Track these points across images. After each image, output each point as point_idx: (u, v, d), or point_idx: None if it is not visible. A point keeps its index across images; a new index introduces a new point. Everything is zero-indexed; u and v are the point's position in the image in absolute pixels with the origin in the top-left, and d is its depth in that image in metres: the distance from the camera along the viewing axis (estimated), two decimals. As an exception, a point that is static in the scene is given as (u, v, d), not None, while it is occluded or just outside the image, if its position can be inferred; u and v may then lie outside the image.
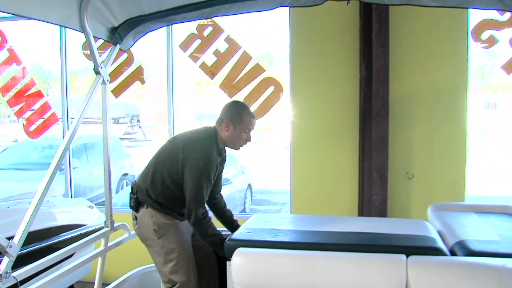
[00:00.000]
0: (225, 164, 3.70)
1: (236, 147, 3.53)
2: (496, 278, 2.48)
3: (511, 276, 2.48)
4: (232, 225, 3.74)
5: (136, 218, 3.49)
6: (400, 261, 2.67)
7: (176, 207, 3.42)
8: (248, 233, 3.18)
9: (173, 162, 3.36)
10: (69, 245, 3.41)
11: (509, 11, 4.58)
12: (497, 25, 5.25)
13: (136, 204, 3.45)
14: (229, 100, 3.57)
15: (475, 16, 5.19)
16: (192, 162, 3.28)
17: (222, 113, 3.51)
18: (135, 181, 3.54)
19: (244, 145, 3.55)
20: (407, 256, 2.70)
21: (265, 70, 5.60)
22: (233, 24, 5.78)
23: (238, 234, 3.18)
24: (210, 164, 3.31)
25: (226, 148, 3.59)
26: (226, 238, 3.13)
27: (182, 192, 3.33)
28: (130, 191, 3.52)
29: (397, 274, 2.63)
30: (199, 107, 22.52)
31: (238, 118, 3.43)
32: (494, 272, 2.51)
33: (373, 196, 5.11)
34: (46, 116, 6.56)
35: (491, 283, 2.48)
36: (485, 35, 5.26)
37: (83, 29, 3.18)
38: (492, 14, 5.20)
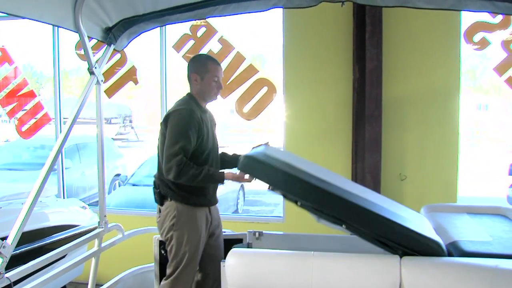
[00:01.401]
0: (214, 124, 3.67)
1: (212, 97, 3.53)
2: (488, 278, 2.50)
3: (503, 277, 2.49)
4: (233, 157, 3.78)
5: (159, 211, 3.49)
6: (394, 262, 2.68)
7: (190, 188, 3.38)
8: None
9: (162, 142, 3.37)
10: (62, 245, 3.40)
11: (501, 14, 4.62)
12: (489, 27, 5.30)
13: (160, 198, 3.46)
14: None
15: (467, 18, 5.23)
16: (170, 126, 3.29)
17: (187, 70, 3.53)
18: (155, 175, 3.53)
19: (218, 93, 3.55)
20: (401, 257, 2.71)
21: (258, 71, 5.61)
22: (226, 25, 5.78)
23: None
24: (187, 123, 3.28)
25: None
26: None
27: None
28: (153, 186, 3.52)
29: (391, 274, 2.64)
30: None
31: (203, 69, 3.45)
32: (487, 272, 2.52)
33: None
34: (38, 116, 6.54)
35: (484, 284, 2.50)
36: (477, 37, 5.30)
37: (77, 29, 3.18)
38: (484, 17, 5.23)
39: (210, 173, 3.29)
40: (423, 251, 2.72)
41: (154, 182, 3.50)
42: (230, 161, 3.76)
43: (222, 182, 3.36)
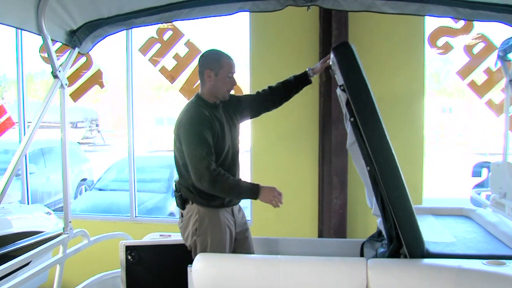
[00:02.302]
0: (232, 99, 3.54)
1: (224, 94, 3.37)
2: (452, 279, 2.54)
3: (467, 277, 2.54)
4: (299, 77, 3.68)
5: (182, 215, 3.38)
6: (360, 264, 2.71)
7: None
8: None
9: (178, 148, 3.27)
10: (26, 252, 3.33)
11: (463, 19, 4.72)
12: (452, 32, 5.41)
13: (181, 201, 3.34)
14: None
15: (431, 23, 5.32)
16: (183, 133, 3.17)
17: (199, 65, 3.35)
18: (175, 180, 3.44)
19: (232, 90, 3.42)
20: (367, 259, 2.74)
21: (225, 75, 5.60)
22: (193, 28, 5.77)
23: None
24: (199, 125, 3.16)
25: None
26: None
27: None
28: (174, 189, 3.42)
29: (357, 276, 2.67)
30: (159, 111, 22.36)
31: (217, 65, 3.29)
32: (451, 273, 2.57)
33: (333, 200, 5.17)
34: (1, 120, 6.41)
35: (448, 284, 2.54)
36: (441, 41, 5.41)
37: (40, 32, 3.11)
38: (447, 22, 5.34)
39: (246, 185, 3.17)
40: (416, 253, 2.76)
41: (175, 185, 3.40)
42: (300, 79, 3.67)
43: (255, 197, 3.16)
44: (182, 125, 3.20)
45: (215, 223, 3.26)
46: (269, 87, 3.67)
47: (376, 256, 3.05)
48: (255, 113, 3.68)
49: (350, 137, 3.02)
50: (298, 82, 3.67)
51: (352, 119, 2.83)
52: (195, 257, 3.24)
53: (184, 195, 3.31)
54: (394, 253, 2.82)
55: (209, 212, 3.26)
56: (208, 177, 3.05)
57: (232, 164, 3.36)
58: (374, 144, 2.76)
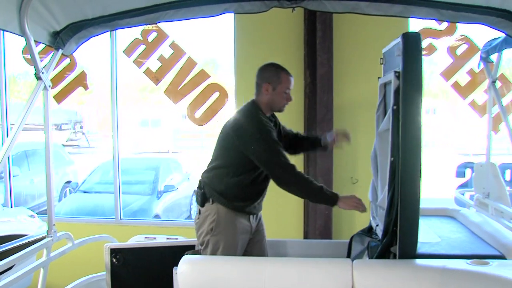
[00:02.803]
0: (281, 125, 3.62)
1: (280, 108, 3.42)
2: (437, 279, 2.56)
3: (451, 277, 2.56)
4: (311, 139, 3.74)
5: (199, 212, 3.39)
6: (346, 265, 2.72)
7: (241, 196, 3.32)
8: None
9: (230, 152, 3.29)
10: (9, 256, 3.29)
11: (446, 21, 4.76)
12: (436, 34, 5.46)
13: (202, 198, 3.36)
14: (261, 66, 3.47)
15: (415, 24, 5.36)
16: (250, 141, 3.19)
17: (258, 78, 3.40)
18: (202, 175, 3.44)
19: (286, 105, 3.43)
20: (354, 258, 2.75)
21: (210, 76, 5.61)
22: (178, 30, 5.76)
23: None
24: (265, 128, 3.21)
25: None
26: None
27: (245, 179, 3.27)
28: (197, 186, 3.43)
29: (342, 277, 2.67)
30: (144, 113, 22.28)
31: (276, 79, 3.34)
32: (435, 273, 2.59)
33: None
34: (-16, 122, 6.34)
35: (433, 284, 2.56)
36: (424, 43, 5.44)
37: (23, 33, 3.08)
38: (431, 24, 5.38)
39: (327, 193, 3.18)
40: (408, 255, 2.77)
41: (200, 182, 3.42)
42: (311, 141, 3.73)
43: (332, 205, 3.21)
44: (248, 135, 3.22)
45: (232, 226, 3.28)
46: (296, 134, 3.76)
47: (367, 249, 3.07)
48: None
49: (385, 124, 3.06)
50: (312, 142, 3.75)
51: (395, 106, 2.83)
52: (203, 253, 3.29)
53: (208, 193, 3.33)
54: (385, 249, 2.83)
55: (228, 214, 3.29)
56: (291, 175, 3.14)
57: (267, 176, 3.36)
58: (408, 136, 2.75)
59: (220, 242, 3.26)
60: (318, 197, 3.23)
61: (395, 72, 2.83)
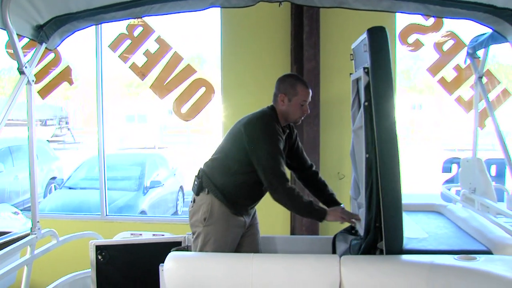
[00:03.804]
0: (297, 138, 3.61)
1: (296, 120, 3.41)
2: (424, 274, 2.56)
3: (438, 272, 2.56)
4: (326, 195, 3.62)
5: (194, 201, 3.35)
6: (333, 261, 2.71)
7: (239, 195, 3.30)
8: None
9: (238, 149, 3.25)
10: (-8, 253, 3.25)
11: (433, 16, 4.76)
12: (423, 30, 5.47)
13: (198, 188, 3.31)
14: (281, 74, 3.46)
15: (402, 20, 5.36)
16: (257, 140, 3.18)
17: (276, 88, 3.39)
18: (204, 165, 3.41)
19: (303, 117, 3.42)
20: (340, 256, 2.74)
21: (196, 71, 5.57)
22: (163, 25, 5.71)
23: None
24: (275, 134, 3.21)
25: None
26: None
27: (247, 179, 3.25)
28: (196, 174, 3.39)
29: (330, 273, 2.67)
30: (130, 108, 22.19)
31: (292, 91, 3.32)
32: (423, 268, 2.59)
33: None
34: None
35: (420, 279, 2.56)
36: (411, 38, 5.47)
37: (5, 26, 3.03)
38: (418, 19, 5.39)
39: (315, 208, 3.21)
40: (394, 250, 2.77)
41: (199, 171, 3.38)
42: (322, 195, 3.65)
43: (321, 220, 3.23)
44: (256, 133, 3.21)
45: (225, 219, 3.26)
46: (315, 173, 3.72)
47: (349, 248, 3.06)
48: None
49: (358, 121, 3.04)
50: (326, 198, 3.63)
51: (366, 103, 2.83)
52: (194, 243, 3.27)
53: (205, 183, 3.30)
54: (369, 246, 2.83)
55: (222, 207, 3.26)
56: (281, 188, 3.14)
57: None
58: (382, 131, 2.74)
59: (211, 234, 3.24)
60: (307, 211, 3.24)
61: (364, 68, 2.83)
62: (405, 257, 2.73)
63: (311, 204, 3.18)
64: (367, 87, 2.84)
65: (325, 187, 3.65)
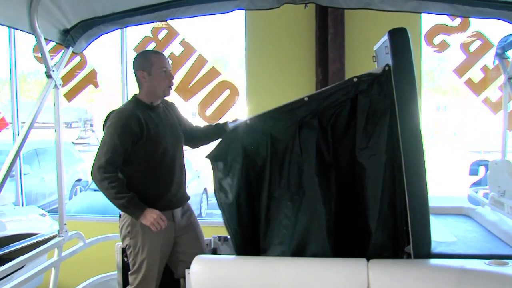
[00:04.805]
0: (174, 108, 3.52)
1: (165, 91, 3.29)
2: (454, 279, 2.51)
3: (469, 277, 2.51)
4: (216, 127, 3.57)
5: (120, 215, 3.31)
6: (361, 265, 2.67)
7: (143, 190, 3.17)
8: None
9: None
10: (20, 255, 3.28)
11: (460, 17, 4.69)
12: (449, 30, 5.40)
13: None
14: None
15: (427, 21, 5.29)
16: (106, 126, 3.16)
17: (133, 70, 3.27)
18: None
19: (172, 86, 3.32)
20: (368, 260, 2.70)
21: (220, 74, 5.57)
22: (188, 27, 5.73)
23: None
24: (121, 128, 3.08)
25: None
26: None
27: (136, 172, 3.20)
28: None
29: (358, 277, 2.63)
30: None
31: (147, 63, 3.21)
32: (453, 273, 2.54)
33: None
34: (-5, 121, 6.36)
35: (449, 285, 2.51)
36: (437, 39, 5.39)
37: (33, 31, 3.06)
38: (444, 19, 5.32)
39: (127, 204, 3.08)
40: (423, 254, 2.72)
41: None
42: (211, 132, 3.56)
43: (136, 218, 3.11)
44: (108, 123, 3.17)
45: (147, 227, 3.12)
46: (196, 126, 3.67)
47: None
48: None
49: None
50: (216, 131, 3.58)
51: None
52: (129, 259, 3.23)
53: None
54: (378, 247, 2.78)
55: None
56: (98, 174, 3.07)
57: (171, 166, 3.28)
58: (409, 133, 2.70)
59: (138, 244, 3.18)
60: (120, 204, 3.13)
61: (386, 65, 2.79)
62: (434, 261, 2.68)
63: (123, 199, 3.09)
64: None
65: (209, 125, 3.61)
